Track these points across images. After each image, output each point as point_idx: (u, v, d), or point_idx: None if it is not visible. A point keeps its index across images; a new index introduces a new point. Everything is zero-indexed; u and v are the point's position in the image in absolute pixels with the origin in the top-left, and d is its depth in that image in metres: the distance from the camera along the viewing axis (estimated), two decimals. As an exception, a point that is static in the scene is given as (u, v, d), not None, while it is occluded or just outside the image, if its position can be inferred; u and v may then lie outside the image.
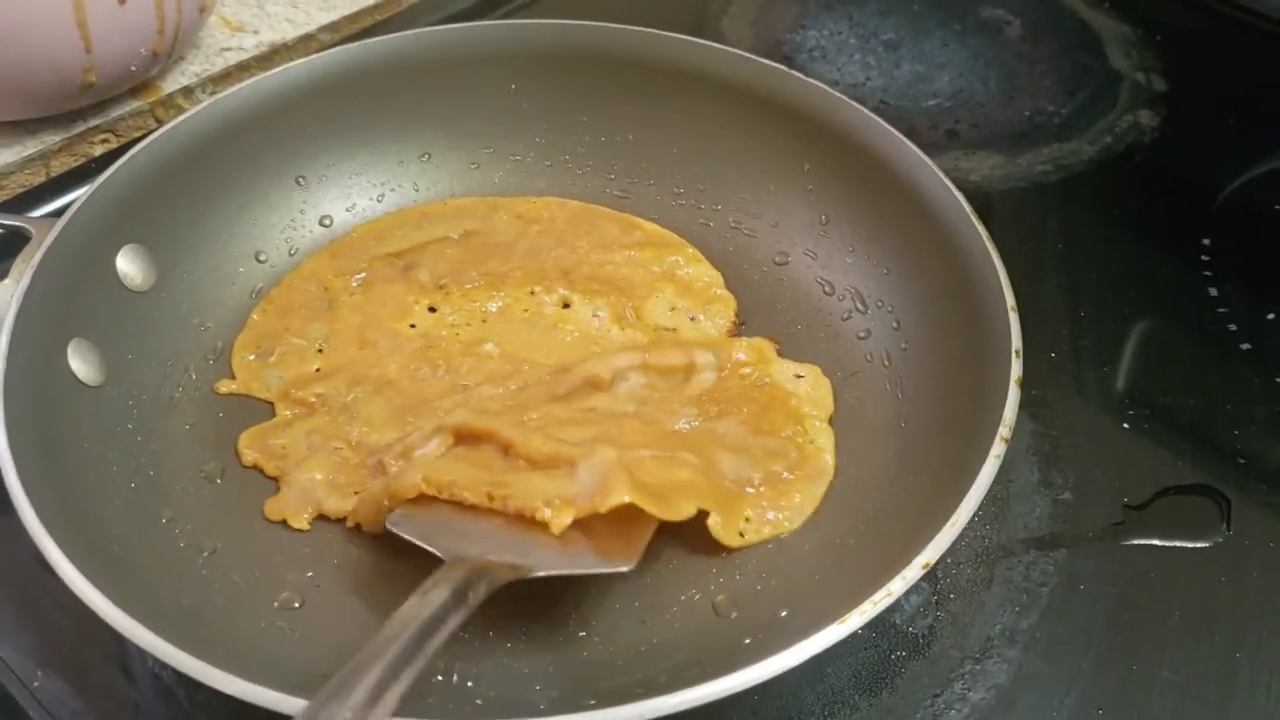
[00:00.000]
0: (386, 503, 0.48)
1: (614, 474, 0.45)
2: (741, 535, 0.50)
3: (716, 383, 0.55)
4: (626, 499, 0.45)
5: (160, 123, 0.73)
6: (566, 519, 0.44)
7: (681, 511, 0.47)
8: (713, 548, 0.50)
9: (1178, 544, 0.53)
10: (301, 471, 0.51)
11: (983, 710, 0.47)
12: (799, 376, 0.56)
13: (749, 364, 0.56)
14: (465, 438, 0.50)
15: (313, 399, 0.54)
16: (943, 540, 0.41)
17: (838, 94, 0.61)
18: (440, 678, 0.45)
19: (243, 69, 0.79)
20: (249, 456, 0.53)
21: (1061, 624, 0.50)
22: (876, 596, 0.40)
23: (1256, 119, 0.78)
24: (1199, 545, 0.53)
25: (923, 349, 0.55)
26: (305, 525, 0.50)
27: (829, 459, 0.53)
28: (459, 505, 0.47)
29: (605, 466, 0.46)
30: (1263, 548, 0.53)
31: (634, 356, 0.55)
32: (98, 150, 0.72)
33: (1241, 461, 0.56)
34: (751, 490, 0.51)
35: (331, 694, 0.35)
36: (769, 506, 0.51)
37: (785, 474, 0.52)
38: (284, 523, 0.51)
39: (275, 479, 0.52)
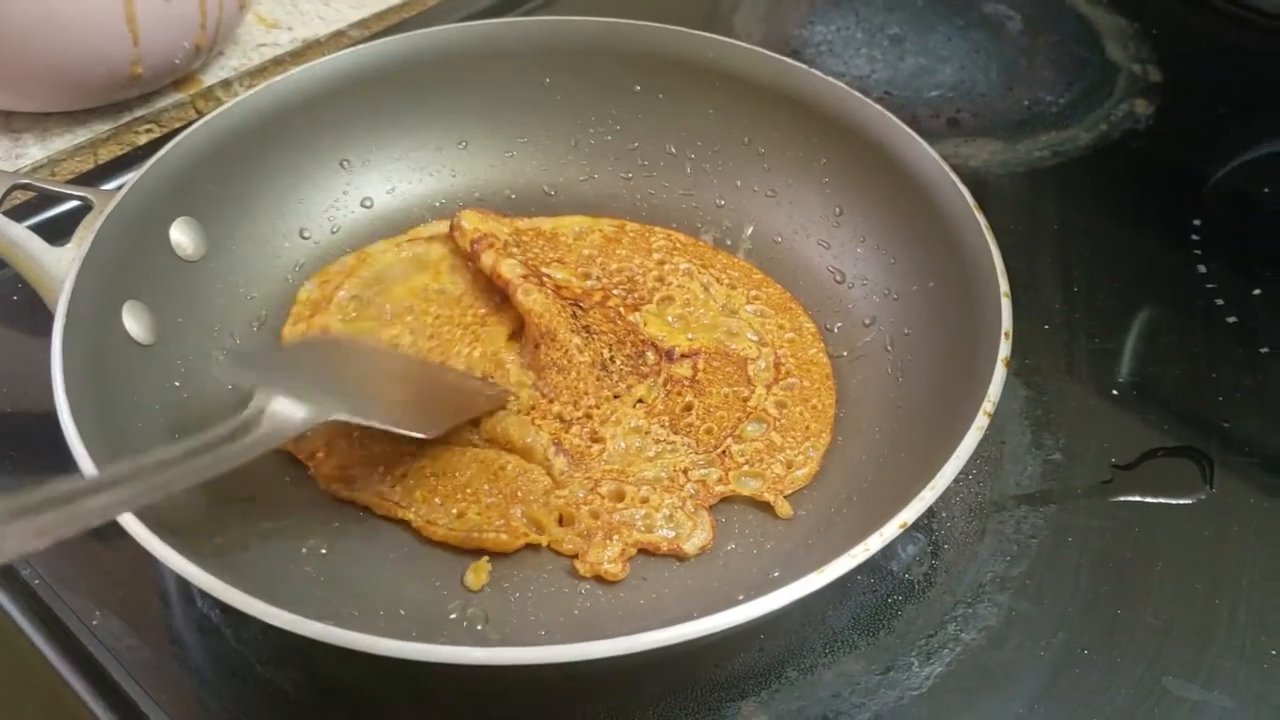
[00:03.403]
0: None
1: None
2: None
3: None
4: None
5: (200, 114, 0.77)
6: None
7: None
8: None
9: (1162, 500, 0.56)
10: None
11: (974, 649, 0.50)
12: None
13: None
14: None
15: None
16: (920, 503, 0.44)
17: (856, 93, 0.63)
18: (455, 616, 0.49)
19: (277, 64, 0.83)
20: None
21: (1050, 573, 0.53)
22: (854, 551, 0.43)
23: (1246, 109, 0.81)
24: (1182, 502, 0.56)
25: (923, 334, 0.58)
26: None
27: None
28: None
29: None
30: (1243, 504, 0.56)
31: None
32: (142, 139, 0.76)
33: (1225, 425, 0.59)
34: None
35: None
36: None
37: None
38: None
39: None
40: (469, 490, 0.53)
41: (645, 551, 0.52)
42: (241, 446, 0.45)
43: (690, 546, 0.52)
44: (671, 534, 0.52)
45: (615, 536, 0.51)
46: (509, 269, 0.61)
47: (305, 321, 0.60)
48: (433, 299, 0.62)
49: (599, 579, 0.51)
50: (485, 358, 0.59)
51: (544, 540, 0.52)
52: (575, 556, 0.51)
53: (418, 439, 0.53)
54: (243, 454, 0.45)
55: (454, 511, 0.52)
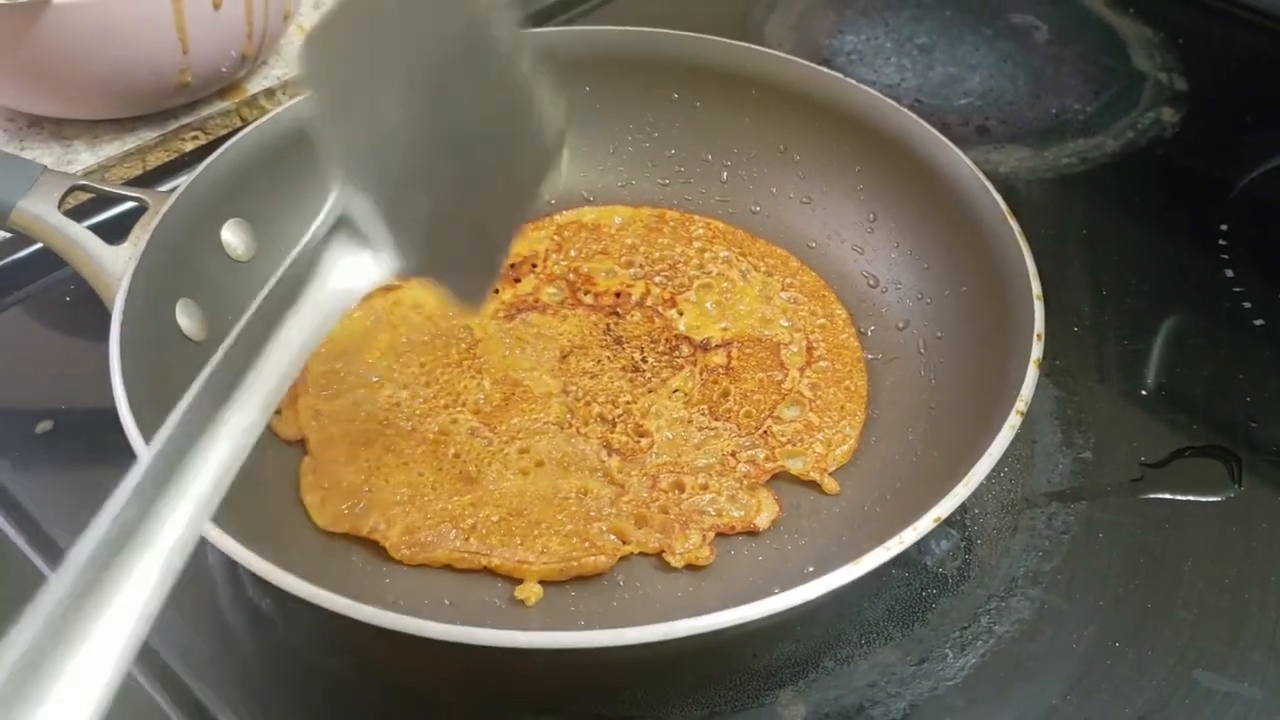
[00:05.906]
0: None
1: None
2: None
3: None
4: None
5: (246, 122, 0.80)
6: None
7: None
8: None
9: (1192, 498, 0.57)
10: None
11: (1007, 642, 0.51)
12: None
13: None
14: None
15: None
16: (954, 499, 0.45)
17: (891, 101, 0.64)
18: (500, 603, 0.51)
19: (319, 73, 0.85)
20: None
21: (1081, 567, 0.53)
22: (889, 544, 0.44)
23: (1272, 116, 0.82)
24: (1211, 500, 0.57)
25: (956, 338, 0.59)
26: None
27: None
28: None
29: None
30: (1271, 502, 0.57)
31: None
32: (189, 146, 0.78)
33: (1253, 425, 0.60)
34: None
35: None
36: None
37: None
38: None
39: None
40: (542, 525, 0.53)
41: (722, 534, 0.53)
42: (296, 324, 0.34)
43: (762, 521, 0.54)
44: (741, 514, 0.54)
45: (692, 525, 0.53)
46: (549, 297, 0.64)
47: (289, 407, 0.57)
48: (408, 352, 0.60)
49: (691, 566, 0.52)
50: (498, 384, 0.59)
51: (633, 549, 0.52)
52: (661, 553, 0.52)
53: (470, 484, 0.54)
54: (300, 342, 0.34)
55: (538, 548, 0.52)
